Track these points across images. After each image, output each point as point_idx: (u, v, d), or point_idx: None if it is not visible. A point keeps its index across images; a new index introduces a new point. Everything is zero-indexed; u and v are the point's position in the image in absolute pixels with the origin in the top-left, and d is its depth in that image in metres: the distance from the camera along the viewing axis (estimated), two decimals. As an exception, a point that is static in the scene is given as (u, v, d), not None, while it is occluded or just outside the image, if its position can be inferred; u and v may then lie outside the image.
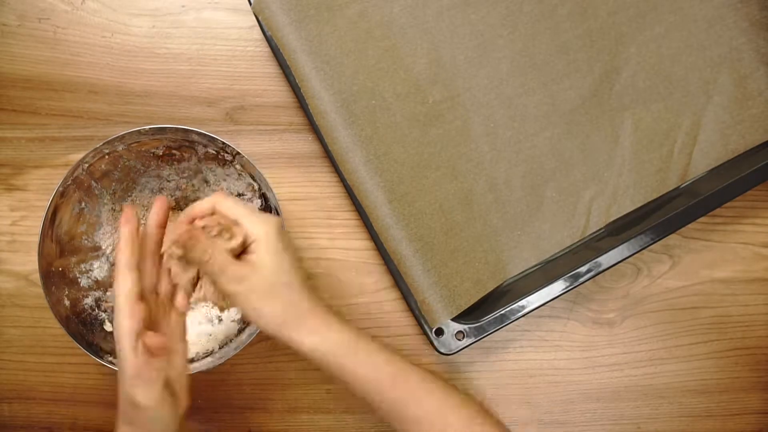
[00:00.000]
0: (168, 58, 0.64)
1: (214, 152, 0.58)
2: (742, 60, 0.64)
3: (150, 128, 0.54)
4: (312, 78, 0.59)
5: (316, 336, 0.46)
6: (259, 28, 0.60)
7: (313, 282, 0.65)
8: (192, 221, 0.47)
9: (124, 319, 0.44)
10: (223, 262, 0.45)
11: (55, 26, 0.63)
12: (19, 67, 0.63)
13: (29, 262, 0.63)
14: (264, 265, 0.46)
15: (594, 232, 0.63)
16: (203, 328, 0.61)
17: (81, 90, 0.63)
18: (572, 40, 0.63)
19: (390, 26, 0.61)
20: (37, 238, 0.54)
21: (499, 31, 0.62)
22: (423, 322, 0.59)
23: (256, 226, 0.46)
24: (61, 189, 0.54)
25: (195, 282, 0.49)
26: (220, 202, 0.47)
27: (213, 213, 0.48)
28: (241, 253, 0.47)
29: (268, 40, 0.59)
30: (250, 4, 0.59)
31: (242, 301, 0.45)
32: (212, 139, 0.55)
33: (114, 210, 0.61)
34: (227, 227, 0.47)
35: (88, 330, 0.57)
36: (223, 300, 0.49)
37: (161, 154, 0.59)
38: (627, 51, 0.63)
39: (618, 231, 0.62)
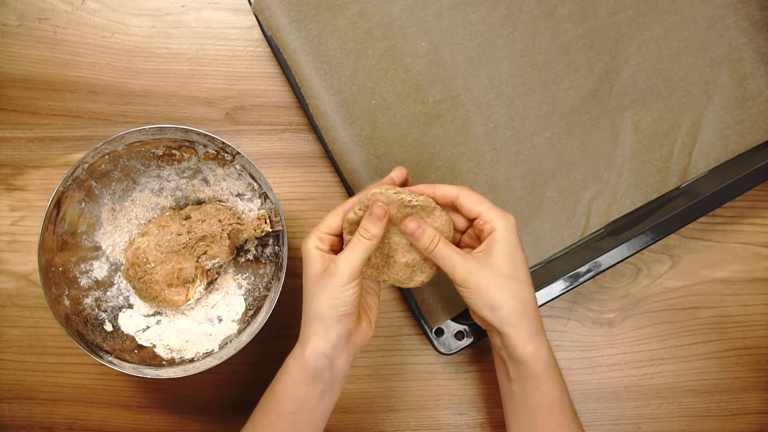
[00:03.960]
0: (168, 58, 0.64)
1: (214, 152, 0.58)
2: (742, 60, 0.64)
3: (150, 128, 0.54)
4: (312, 78, 0.59)
5: (539, 342, 0.48)
6: (259, 28, 0.60)
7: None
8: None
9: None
10: (449, 251, 0.48)
11: (55, 26, 0.63)
12: (19, 67, 0.63)
13: (29, 262, 0.63)
14: (502, 257, 0.47)
15: (594, 232, 0.63)
16: (203, 328, 0.61)
17: (81, 90, 0.63)
18: (572, 40, 0.63)
19: (390, 26, 0.61)
20: (37, 238, 0.54)
21: (499, 31, 0.62)
22: (423, 322, 0.59)
23: (499, 219, 0.48)
24: (61, 189, 0.54)
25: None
26: (467, 195, 0.49)
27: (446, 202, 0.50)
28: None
29: (268, 40, 0.59)
30: (250, 4, 0.59)
31: (473, 291, 0.47)
32: (212, 139, 0.55)
33: (114, 210, 0.61)
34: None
35: (87, 330, 0.57)
36: (423, 270, 0.52)
37: (161, 154, 0.59)
38: (627, 51, 0.63)
39: (618, 231, 0.62)
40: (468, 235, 0.52)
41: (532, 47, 0.62)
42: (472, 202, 0.48)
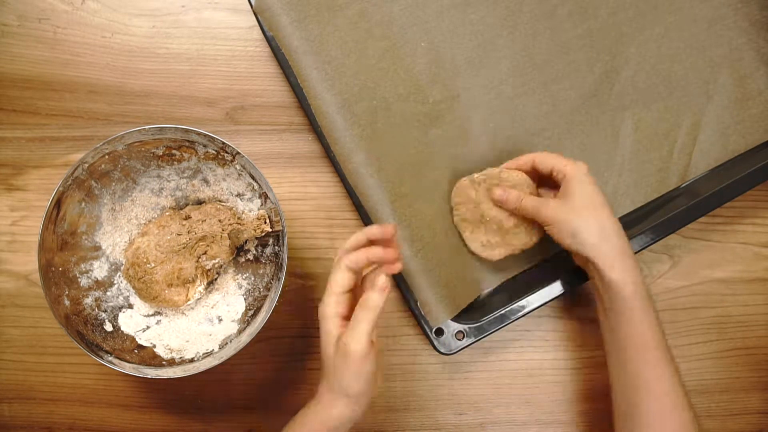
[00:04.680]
0: (168, 58, 0.64)
1: (214, 152, 0.58)
2: (742, 60, 0.64)
3: (150, 128, 0.54)
4: (313, 78, 0.59)
5: (627, 266, 0.52)
6: (259, 28, 0.60)
7: (314, 283, 0.65)
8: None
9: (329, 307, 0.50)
10: (533, 200, 0.56)
11: (55, 26, 0.63)
12: (19, 67, 0.63)
13: (29, 262, 0.63)
14: (576, 193, 0.54)
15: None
16: (203, 328, 0.61)
17: (81, 90, 0.63)
18: (572, 40, 0.63)
19: (390, 26, 0.61)
20: (37, 238, 0.54)
21: (499, 31, 0.62)
22: (423, 322, 0.59)
23: (570, 166, 0.55)
24: (61, 189, 0.54)
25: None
26: (542, 156, 0.57)
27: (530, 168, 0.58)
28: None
29: (269, 40, 0.59)
30: (251, 4, 0.59)
31: (555, 224, 0.54)
32: (212, 139, 0.55)
33: (114, 210, 0.61)
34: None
35: (87, 330, 0.57)
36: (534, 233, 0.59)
37: (161, 154, 0.59)
38: (627, 51, 0.63)
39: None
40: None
41: (532, 47, 0.62)
42: (545, 158, 0.56)
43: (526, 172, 0.58)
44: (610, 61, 0.63)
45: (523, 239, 0.60)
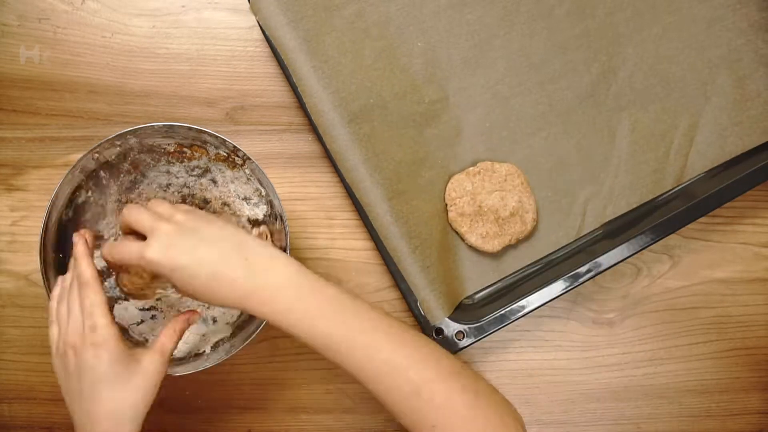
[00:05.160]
0: (168, 58, 0.64)
1: (225, 154, 0.58)
2: (741, 61, 0.64)
3: (163, 125, 0.55)
4: (310, 77, 0.59)
5: (266, 306, 0.44)
6: (258, 28, 0.60)
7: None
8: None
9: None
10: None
11: (55, 26, 0.63)
12: (19, 67, 0.63)
13: (29, 262, 0.63)
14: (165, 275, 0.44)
15: (589, 233, 0.63)
16: (197, 327, 0.61)
17: (81, 90, 0.63)
18: (569, 39, 0.63)
19: (387, 26, 0.61)
20: (37, 238, 0.54)
21: (495, 30, 0.62)
22: (423, 322, 0.59)
23: (142, 260, 0.44)
24: (69, 177, 0.54)
25: None
26: (130, 216, 0.46)
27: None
28: None
29: (268, 40, 0.59)
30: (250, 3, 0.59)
31: (154, 260, 0.44)
32: (223, 141, 0.55)
33: (120, 201, 0.61)
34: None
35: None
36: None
37: (172, 150, 0.59)
38: (625, 51, 0.63)
39: (615, 233, 0.62)
40: None
41: (529, 47, 0.63)
42: (136, 222, 0.46)
43: None
44: (607, 62, 0.63)
45: (518, 228, 0.61)
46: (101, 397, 0.45)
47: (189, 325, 0.51)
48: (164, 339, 0.49)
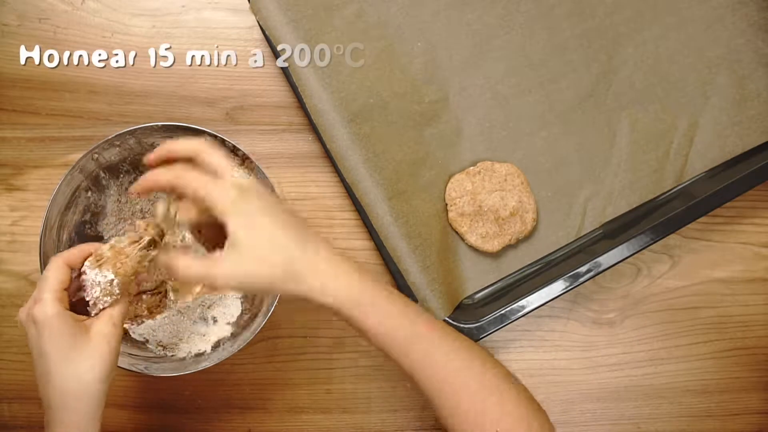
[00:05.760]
0: (168, 58, 0.64)
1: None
2: (741, 61, 0.64)
3: (162, 125, 0.55)
4: (309, 76, 0.59)
5: (338, 286, 0.44)
6: (258, 28, 0.60)
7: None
8: (160, 164, 0.46)
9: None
10: (198, 264, 0.43)
11: (55, 26, 0.63)
12: (19, 67, 0.63)
13: (29, 262, 0.63)
14: (237, 241, 0.43)
15: (589, 233, 0.63)
16: (197, 327, 0.61)
17: (81, 90, 0.63)
18: (569, 40, 0.63)
19: (387, 26, 0.61)
20: (37, 238, 0.54)
21: (495, 30, 0.62)
22: (423, 322, 0.59)
23: (219, 202, 0.43)
24: (69, 178, 0.54)
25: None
26: (208, 153, 0.45)
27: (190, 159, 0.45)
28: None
29: (268, 40, 0.60)
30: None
31: (232, 288, 0.44)
32: (223, 141, 0.56)
33: (119, 201, 0.61)
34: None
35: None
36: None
37: None
38: (624, 51, 0.64)
39: (615, 233, 0.62)
40: None
41: (529, 47, 0.63)
42: (213, 161, 0.44)
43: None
44: (607, 62, 0.63)
45: (518, 227, 0.61)
46: (49, 374, 0.43)
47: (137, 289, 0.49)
48: (108, 308, 0.46)
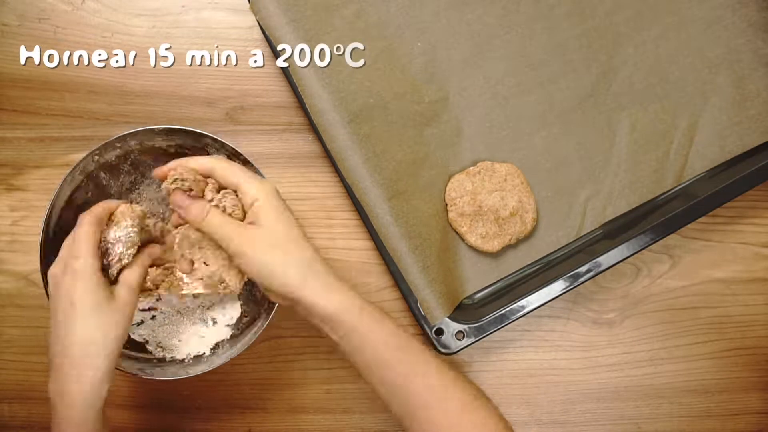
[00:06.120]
0: (168, 58, 0.64)
1: (224, 156, 0.59)
2: (741, 61, 0.64)
3: (163, 128, 0.55)
4: (309, 76, 0.59)
5: (341, 295, 0.46)
6: (258, 28, 0.60)
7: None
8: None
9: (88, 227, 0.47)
10: (222, 220, 0.47)
11: (55, 26, 0.63)
12: (19, 67, 0.63)
13: (29, 262, 0.63)
14: (269, 222, 0.46)
15: (589, 233, 0.63)
16: (197, 328, 0.61)
17: (81, 90, 0.63)
18: (569, 40, 0.63)
19: (387, 26, 0.61)
20: (37, 238, 0.54)
21: (495, 30, 0.62)
22: (423, 322, 0.59)
23: (257, 189, 0.46)
24: (69, 178, 0.54)
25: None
26: (221, 167, 0.48)
27: (207, 176, 0.49)
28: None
29: (268, 40, 0.60)
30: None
31: (250, 260, 0.45)
32: (223, 144, 0.56)
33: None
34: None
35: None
36: (229, 273, 0.51)
37: (173, 152, 0.59)
38: (624, 51, 0.64)
39: (616, 233, 0.62)
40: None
41: (529, 47, 0.63)
42: (228, 173, 0.47)
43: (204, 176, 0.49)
44: (607, 62, 0.63)
45: (518, 227, 0.61)
46: (75, 324, 0.44)
47: (151, 258, 0.51)
48: (127, 272, 0.48)
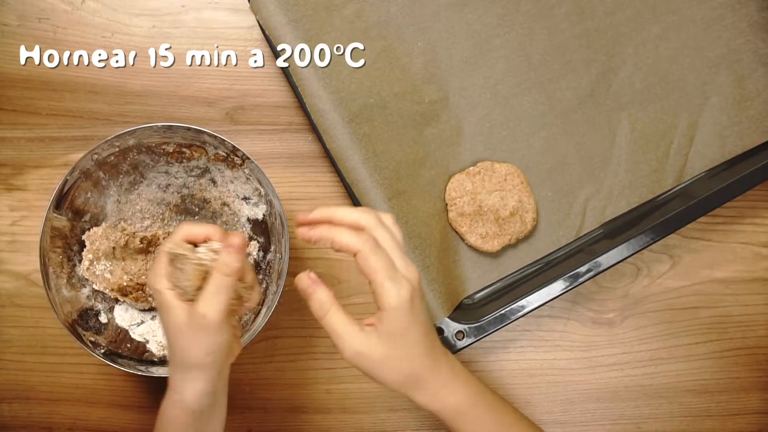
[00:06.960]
0: (168, 58, 0.64)
1: (224, 154, 0.59)
2: (741, 61, 0.64)
3: (162, 126, 0.55)
4: (309, 76, 0.59)
5: (442, 396, 0.47)
6: (258, 28, 0.60)
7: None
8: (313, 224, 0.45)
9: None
10: (340, 324, 0.43)
11: (55, 26, 0.63)
12: (19, 67, 0.63)
13: (29, 262, 0.63)
14: (388, 340, 0.44)
15: (589, 233, 0.63)
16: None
17: (81, 90, 0.63)
18: (569, 40, 0.63)
19: (387, 26, 0.61)
20: (37, 238, 0.54)
21: (495, 30, 0.62)
22: (423, 322, 0.59)
23: (390, 295, 0.43)
24: (68, 178, 0.54)
25: None
26: (365, 258, 0.43)
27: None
28: None
29: (268, 40, 0.60)
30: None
31: (359, 363, 0.44)
32: (222, 141, 0.56)
33: (119, 202, 0.61)
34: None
35: (81, 321, 0.57)
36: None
37: (171, 150, 0.59)
38: (624, 51, 0.64)
39: (616, 233, 0.62)
40: None
41: (529, 47, 0.63)
42: (367, 267, 0.43)
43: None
44: (607, 62, 0.63)
45: (518, 227, 0.61)
46: (175, 344, 0.46)
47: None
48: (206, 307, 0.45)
